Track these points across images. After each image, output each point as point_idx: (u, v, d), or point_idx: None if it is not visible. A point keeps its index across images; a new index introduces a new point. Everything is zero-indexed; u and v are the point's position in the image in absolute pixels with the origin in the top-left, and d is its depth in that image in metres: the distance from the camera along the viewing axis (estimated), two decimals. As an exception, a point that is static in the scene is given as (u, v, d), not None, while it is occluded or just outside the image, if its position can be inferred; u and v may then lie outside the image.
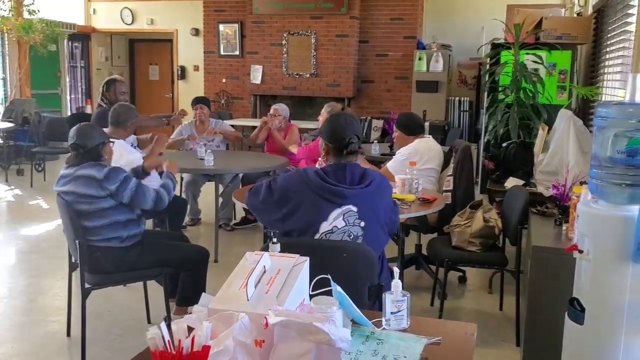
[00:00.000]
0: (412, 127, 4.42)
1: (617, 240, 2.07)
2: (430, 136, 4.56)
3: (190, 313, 1.45)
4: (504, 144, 5.17)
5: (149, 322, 3.79)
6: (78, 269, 3.22)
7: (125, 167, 3.43)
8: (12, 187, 8.03)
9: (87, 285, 3.17)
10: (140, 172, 3.59)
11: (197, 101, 6.18)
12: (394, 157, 4.44)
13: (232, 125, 7.05)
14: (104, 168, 3.12)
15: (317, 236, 2.47)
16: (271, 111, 6.09)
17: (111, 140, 3.37)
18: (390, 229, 2.72)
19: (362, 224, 2.48)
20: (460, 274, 4.57)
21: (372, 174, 2.57)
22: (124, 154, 3.92)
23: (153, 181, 3.57)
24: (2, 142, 8.86)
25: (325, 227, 2.45)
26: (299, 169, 2.62)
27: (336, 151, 2.56)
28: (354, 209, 2.46)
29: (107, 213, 3.13)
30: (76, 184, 3.09)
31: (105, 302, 3.96)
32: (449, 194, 4.25)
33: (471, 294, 4.44)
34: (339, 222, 2.45)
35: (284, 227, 2.48)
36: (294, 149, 5.70)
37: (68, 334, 3.57)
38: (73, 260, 3.40)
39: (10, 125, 8.64)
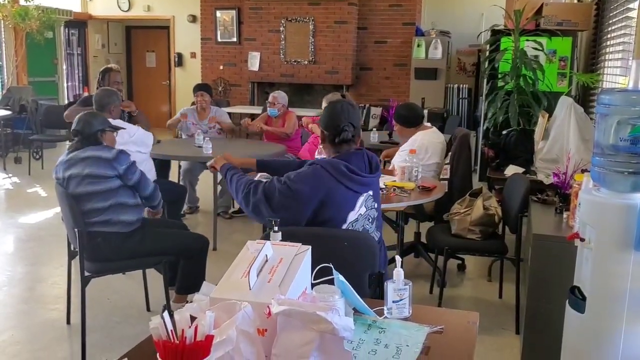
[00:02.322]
0: (412, 119, 4.36)
1: (620, 228, 2.07)
2: (434, 127, 4.49)
3: (190, 301, 1.43)
4: (504, 132, 5.15)
5: (148, 310, 3.80)
6: (77, 257, 3.21)
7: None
8: (10, 175, 8.00)
9: (86, 274, 3.17)
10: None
11: (199, 88, 6.12)
12: (400, 153, 4.32)
13: (230, 113, 7.02)
14: (112, 149, 3.18)
15: (344, 226, 2.47)
16: (270, 99, 6.05)
17: (114, 129, 3.39)
18: None
19: (376, 205, 2.58)
20: (459, 261, 4.57)
21: (376, 157, 2.65)
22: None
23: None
24: (-1, 130, 8.84)
25: (352, 216, 2.48)
26: (320, 163, 2.48)
27: (331, 138, 2.56)
28: (371, 193, 2.54)
29: (113, 194, 3.14)
30: (83, 165, 3.09)
31: (104, 290, 3.96)
32: (446, 182, 4.23)
33: (470, 282, 4.45)
34: (362, 209, 2.51)
35: (313, 219, 2.43)
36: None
37: (68, 322, 3.58)
38: (72, 248, 3.39)
39: (8, 113, 8.60)
